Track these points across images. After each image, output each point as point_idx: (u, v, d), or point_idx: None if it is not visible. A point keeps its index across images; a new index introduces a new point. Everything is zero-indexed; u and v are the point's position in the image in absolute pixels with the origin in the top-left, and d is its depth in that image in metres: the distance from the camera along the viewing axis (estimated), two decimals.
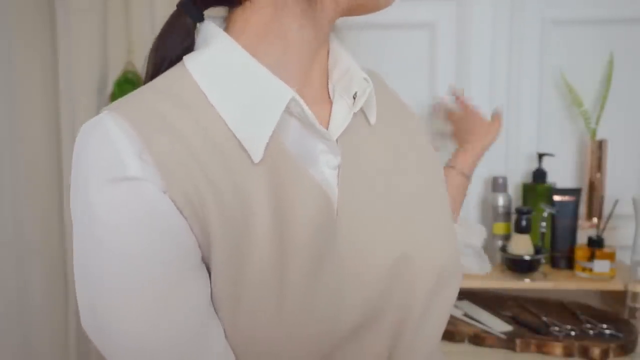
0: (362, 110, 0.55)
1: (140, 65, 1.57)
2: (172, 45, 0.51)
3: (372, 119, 0.56)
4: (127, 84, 1.54)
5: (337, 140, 0.52)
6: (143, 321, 0.41)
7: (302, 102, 0.47)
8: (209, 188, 0.42)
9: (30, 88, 1.51)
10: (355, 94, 0.53)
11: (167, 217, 0.41)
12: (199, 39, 0.51)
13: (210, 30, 0.50)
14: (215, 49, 0.48)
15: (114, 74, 1.56)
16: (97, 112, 0.46)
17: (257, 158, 0.45)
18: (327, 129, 0.52)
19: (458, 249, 0.58)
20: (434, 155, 0.63)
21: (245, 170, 0.45)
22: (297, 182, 0.46)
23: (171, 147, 0.42)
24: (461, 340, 1.19)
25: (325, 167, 0.50)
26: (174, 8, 0.53)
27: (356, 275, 0.48)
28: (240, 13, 0.50)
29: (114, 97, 1.55)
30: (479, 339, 1.18)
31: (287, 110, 0.48)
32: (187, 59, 0.49)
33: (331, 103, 0.54)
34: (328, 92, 0.55)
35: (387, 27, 1.43)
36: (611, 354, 1.11)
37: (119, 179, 0.40)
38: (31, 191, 1.51)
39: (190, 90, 0.46)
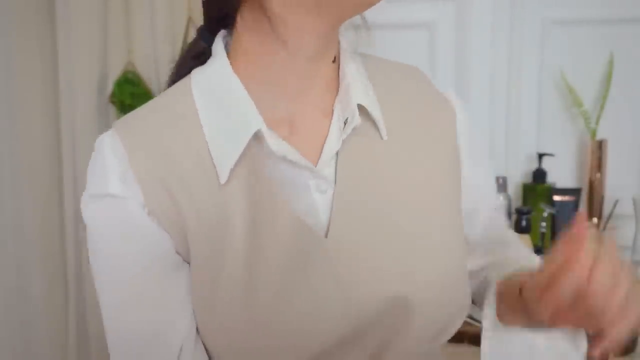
0: (374, 123, 0.53)
1: (140, 65, 1.57)
2: (191, 65, 0.55)
3: (384, 134, 0.53)
4: (127, 84, 1.54)
5: (337, 155, 0.51)
6: (123, 310, 0.50)
7: (268, 134, 0.48)
8: (189, 202, 0.48)
9: (30, 88, 1.51)
10: (347, 120, 0.51)
11: (144, 228, 0.48)
12: (212, 55, 0.54)
13: (216, 48, 0.53)
14: (213, 68, 0.52)
15: (114, 74, 1.56)
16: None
17: (222, 180, 0.47)
18: (322, 147, 0.51)
19: (463, 288, 0.53)
20: (452, 171, 0.56)
21: (220, 188, 0.48)
22: (269, 207, 0.48)
23: (154, 167, 0.48)
24: (461, 341, 1.19)
25: (316, 191, 0.50)
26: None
27: (339, 302, 0.47)
28: (235, 35, 0.53)
29: (114, 97, 1.55)
30: (479, 339, 1.18)
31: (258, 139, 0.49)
32: (194, 73, 0.53)
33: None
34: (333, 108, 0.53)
35: (387, 27, 1.43)
36: (611, 354, 1.11)
37: (102, 194, 0.48)
38: (31, 191, 1.51)
39: (187, 108, 0.50)
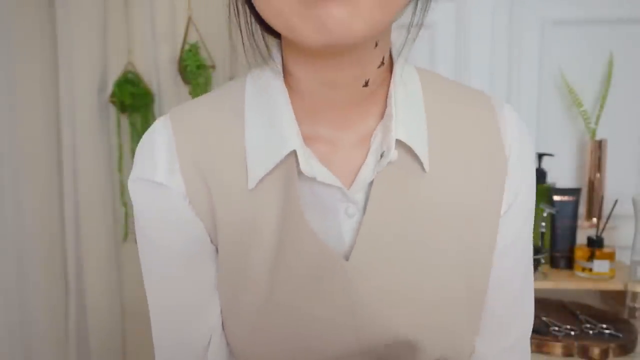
0: (416, 156, 0.49)
1: (140, 65, 1.57)
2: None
3: (426, 164, 0.49)
4: (127, 84, 1.54)
5: (371, 184, 0.49)
6: (160, 288, 0.53)
7: (302, 155, 0.47)
8: (223, 201, 0.49)
9: (30, 88, 1.51)
10: (383, 153, 0.49)
11: (185, 216, 0.49)
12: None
13: (274, 52, 0.52)
14: (267, 74, 0.51)
15: (114, 74, 1.56)
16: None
17: (250, 185, 0.48)
18: (358, 172, 0.50)
19: (470, 337, 0.52)
20: (491, 221, 0.52)
21: (251, 193, 0.49)
22: (295, 223, 0.48)
23: (198, 160, 0.49)
24: None
25: (345, 214, 0.49)
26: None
27: (350, 330, 0.48)
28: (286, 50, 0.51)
29: (114, 97, 1.55)
30: None
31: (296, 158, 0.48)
32: (252, 71, 0.53)
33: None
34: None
35: None
36: (611, 354, 1.11)
37: (149, 180, 0.50)
38: (31, 191, 1.51)
39: (237, 106, 0.51)
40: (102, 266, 1.61)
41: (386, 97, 0.51)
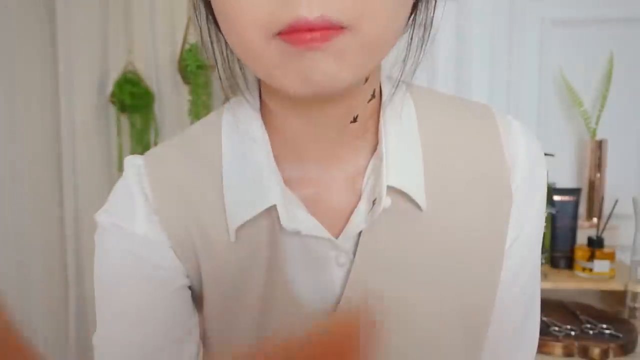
0: (409, 196, 0.45)
1: (140, 65, 1.57)
2: None
3: (422, 205, 0.45)
4: (127, 84, 1.54)
5: (361, 232, 0.45)
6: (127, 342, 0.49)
7: (283, 210, 0.44)
8: (206, 251, 0.46)
9: (31, 88, 1.51)
10: (375, 200, 0.45)
11: (163, 261, 0.47)
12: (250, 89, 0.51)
13: (251, 82, 0.48)
14: (245, 112, 0.47)
15: (114, 74, 1.56)
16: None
17: (232, 238, 0.45)
18: (348, 218, 0.46)
19: None
20: (494, 257, 0.48)
21: (234, 244, 0.46)
22: (279, 276, 0.46)
23: (177, 213, 0.47)
24: None
25: (335, 263, 0.46)
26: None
27: None
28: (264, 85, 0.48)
29: (114, 97, 1.55)
30: None
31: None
32: (229, 107, 0.49)
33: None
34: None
35: None
36: (611, 354, 1.11)
37: (128, 230, 0.47)
38: (31, 191, 1.51)
39: (213, 149, 0.48)
40: None
41: (377, 131, 0.47)
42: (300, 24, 0.35)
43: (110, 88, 1.56)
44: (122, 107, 1.55)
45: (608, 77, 1.38)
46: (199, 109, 1.52)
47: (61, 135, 1.55)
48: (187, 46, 1.51)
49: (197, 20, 0.45)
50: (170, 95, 1.58)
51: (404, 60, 0.48)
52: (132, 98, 1.53)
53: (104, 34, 1.56)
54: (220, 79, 0.47)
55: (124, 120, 1.59)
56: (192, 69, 1.49)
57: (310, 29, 0.35)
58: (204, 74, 1.52)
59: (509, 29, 1.42)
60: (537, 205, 0.50)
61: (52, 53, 1.54)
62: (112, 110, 1.59)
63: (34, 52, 1.51)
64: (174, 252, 0.47)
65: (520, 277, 0.50)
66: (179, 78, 1.55)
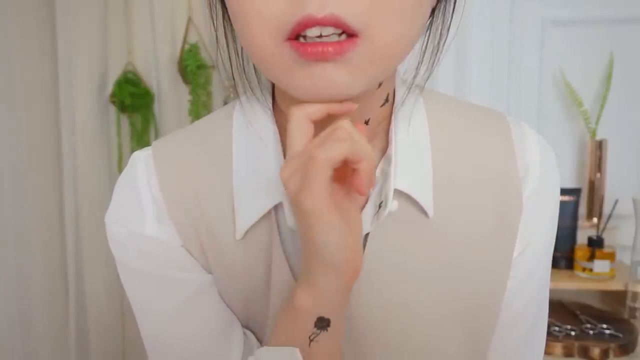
0: (416, 201, 0.45)
1: (140, 65, 1.57)
2: None
3: (429, 211, 0.45)
4: (127, 84, 1.54)
5: (367, 235, 0.45)
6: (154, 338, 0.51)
7: (289, 210, 0.43)
8: (214, 248, 0.46)
9: (31, 88, 1.51)
10: (381, 204, 0.44)
11: (178, 261, 0.46)
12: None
13: (263, 82, 0.48)
14: (256, 111, 0.47)
15: (114, 74, 1.56)
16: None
17: (238, 236, 0.45)
18: None
19: None
20: (501, 266, 0.48)
21: (240, 242, 0.46)
22: (283, 281, 0.46)
23: (187, 213, 0.46)
24: None
25: None
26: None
27: None
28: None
29: (114, 97, 1.55)
30: None
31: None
32: (240, 103, 0.48)
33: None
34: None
35: None
36: (611, 354, 1.11)
37: (138, 233, 0.46)
38: (31, 191, 1.51)
39: (223, 145, 0.47)
40: (102, 266, 1.61)
41: (387, 135, 0.46)
42: (308, 22, 0.35)
43: (110, 88, 1.56)
44: (122, 107, 1.56)
45: (608, 77, 1.38)
46: (199, 109, 1.52)
47: (61, 135, 1.55)
48: (187, 46, 1.51)
49: (213, 20, 0.45)
50: (170, 96, 1.58)
51: (417, 68, 0.48)
52: (132, 98, 1.53)
53: (104, 34, 1.56)
54: (234, 78, 0.47)
55: (124, 120, 1.59)
56: (192, 69, 1.49)
57: (318, 23, 0.34)
58: (204, 74, 1.52)
59: (509, 29, 1.42)
60: (549, 216, 0.50)
61: (52, 53, 1.53)
62: (112, 110, 1.59)
63: (34, 52, 1.51)
64: (186, 251, 0.47)
65: (528, 287, 0.49)
66: (179, 78, 1.55)
